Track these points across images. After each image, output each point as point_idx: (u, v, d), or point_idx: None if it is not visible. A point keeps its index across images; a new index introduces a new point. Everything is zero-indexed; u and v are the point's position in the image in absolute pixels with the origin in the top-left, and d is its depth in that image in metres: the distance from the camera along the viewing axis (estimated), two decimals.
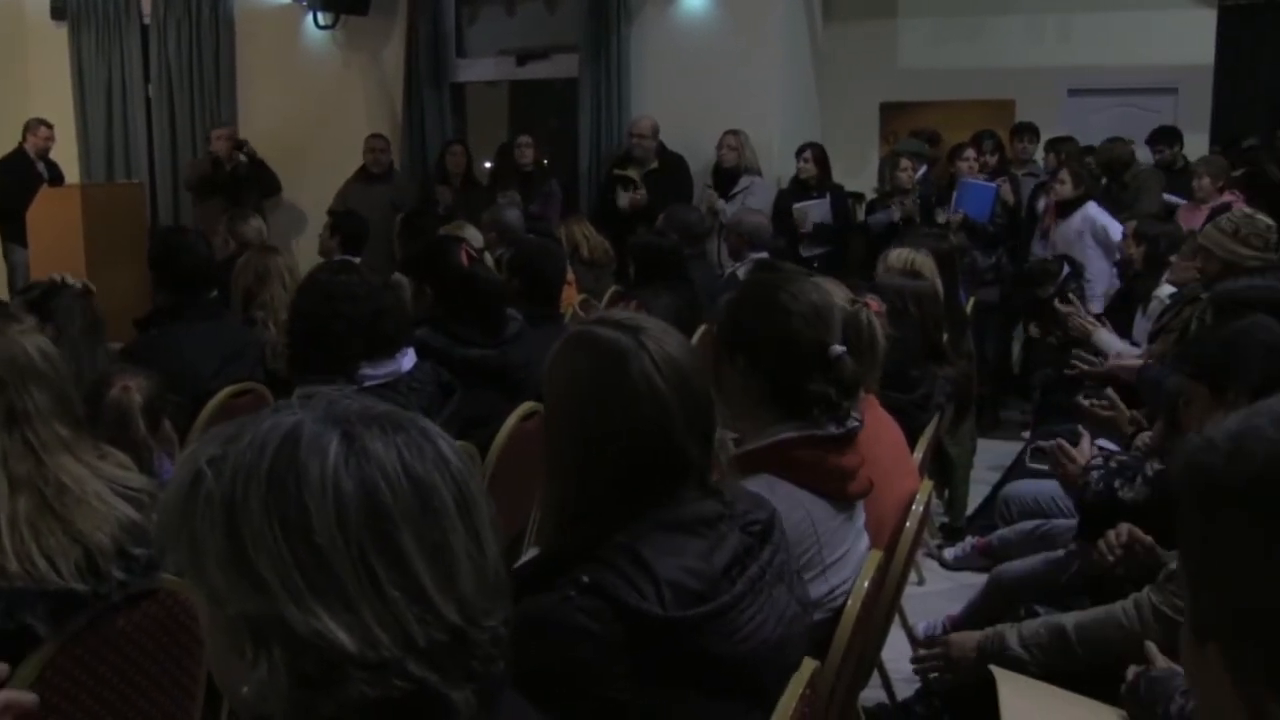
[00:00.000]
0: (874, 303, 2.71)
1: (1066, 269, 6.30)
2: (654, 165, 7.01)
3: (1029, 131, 7.26)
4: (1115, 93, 7.98)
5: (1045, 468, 3.44)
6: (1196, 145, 7.37)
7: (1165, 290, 4.80)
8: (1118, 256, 5.79)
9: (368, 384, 2.89)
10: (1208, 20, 7.83)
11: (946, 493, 4.77)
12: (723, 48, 7.22)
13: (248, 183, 7.71)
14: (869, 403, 2.48)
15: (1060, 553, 3.04)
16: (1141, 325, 4.95)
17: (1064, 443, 3.03)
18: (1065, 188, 6.15)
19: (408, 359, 3.06)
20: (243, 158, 7.72)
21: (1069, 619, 2.32)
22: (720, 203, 6.73)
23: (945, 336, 4.11)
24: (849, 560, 2.07)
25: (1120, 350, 4.71)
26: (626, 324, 1.56)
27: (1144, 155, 7.29)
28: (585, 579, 1.39)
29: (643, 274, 5.10)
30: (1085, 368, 4.42)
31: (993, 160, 6.80)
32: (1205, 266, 4.15)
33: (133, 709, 1.88)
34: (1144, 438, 3.18)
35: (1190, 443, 0.83)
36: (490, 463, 3.06)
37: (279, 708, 0.93)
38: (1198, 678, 0.84)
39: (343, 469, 0.93)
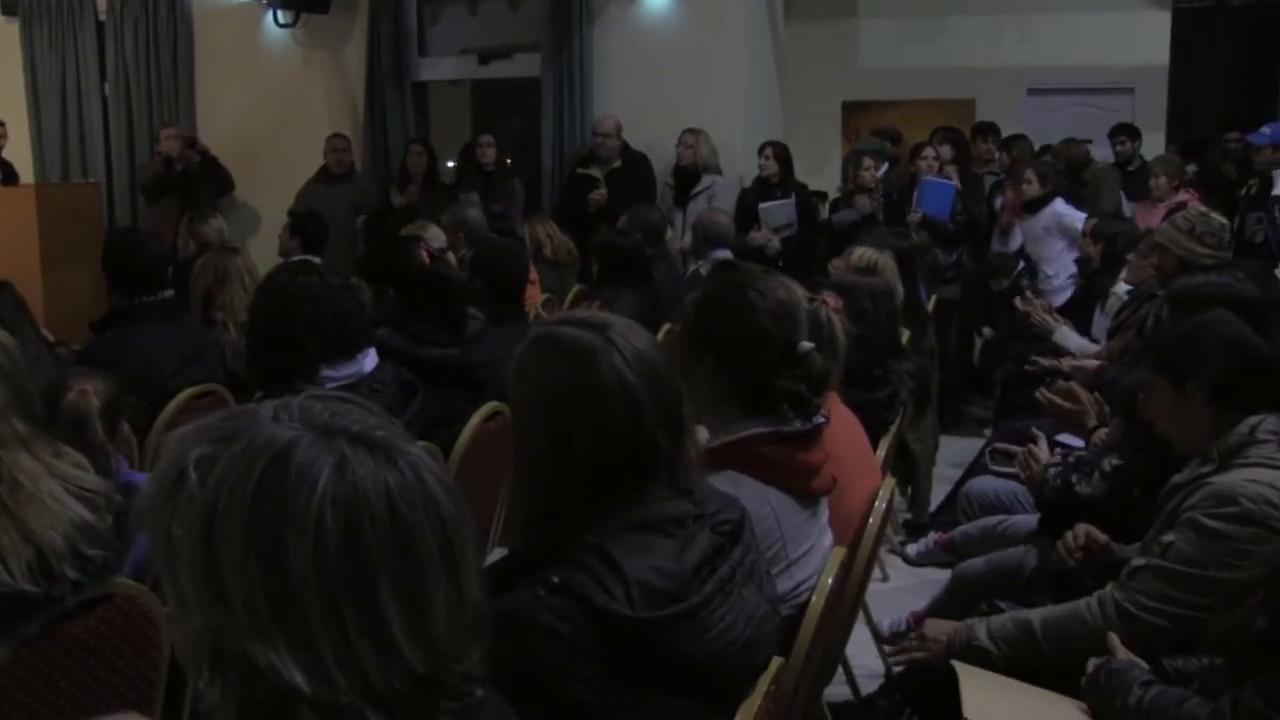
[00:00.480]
0: (831, 300, 2.73)
1: (1021, 264, 6.38)
2: (617, 164, 6.99)
3: (992, 131, 7.32)
4: (1074, 92, 8.07)
5: (1007, 470, 3.47)
6: (1153, 144, 7.47)
7: (1122, 288, 4.87)
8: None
9: (329, 385, 2.84)
10: (1163, 22, 7.95)
11: (909, 489, 4.80)
12: (685, 47, 7.22)
13: (199, 181, 7.59)
14: (831, 400, 2.49)
15: (1021, 549, 3.08)
16: (1100, 322, 5.02)
17: (1034, 448, 3.07)
18: (1032, 187, 6.22)
19: (369, 360, 3.03)
20: (196, 156, 7.61)
21: (1035, 615, 2.35)
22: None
23: (905, 334, 4.13)
24: (813, 557, 2.08)
25: (1080, 346, 4.78)
26: (592, 322, 1.56)
27: (1101, 154, 7.38)
28: (555, 579, 1.39)
29: (606, 273, 5.09)
30: (1046, 364, 4.47)
31: (946, 154, 6.74)
32: (1161, 264, 4.21)
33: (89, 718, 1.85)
34: (1102, 434, 3.22)
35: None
36: (454, 463, 3.04)
37: None
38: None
39: (328, 507, 0.92)
